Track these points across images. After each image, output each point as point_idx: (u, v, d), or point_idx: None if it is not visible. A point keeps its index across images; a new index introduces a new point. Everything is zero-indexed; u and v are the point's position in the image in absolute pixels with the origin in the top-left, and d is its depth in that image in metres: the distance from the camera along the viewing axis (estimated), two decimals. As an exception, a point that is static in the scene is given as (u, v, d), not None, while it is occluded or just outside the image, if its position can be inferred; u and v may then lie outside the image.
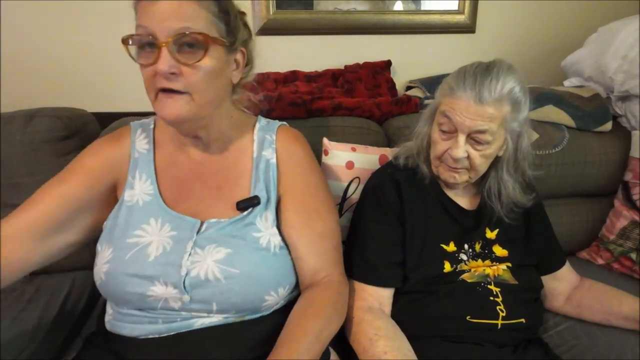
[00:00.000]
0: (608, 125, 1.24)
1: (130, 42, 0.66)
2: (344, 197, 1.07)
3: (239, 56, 0.75)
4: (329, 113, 1.20)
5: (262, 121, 0.86)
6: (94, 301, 1.07)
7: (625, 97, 1.26)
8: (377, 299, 0.84)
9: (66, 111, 1.09)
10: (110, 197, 0.78)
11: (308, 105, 1.17)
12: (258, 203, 0.76)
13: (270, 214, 0.77)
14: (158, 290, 0.69)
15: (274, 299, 0.74)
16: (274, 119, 1.17)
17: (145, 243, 0.72)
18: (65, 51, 1.31)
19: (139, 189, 0.77)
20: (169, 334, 0.71)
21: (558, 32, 1.57)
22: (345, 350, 0.83)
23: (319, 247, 0.79)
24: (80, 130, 1.09)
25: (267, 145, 0.81)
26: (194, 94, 0.67)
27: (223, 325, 0.72)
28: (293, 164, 0.81)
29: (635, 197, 1.18)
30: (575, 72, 1.38)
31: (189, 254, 0.71)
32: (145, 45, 0.65)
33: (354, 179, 1.07)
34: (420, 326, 0.83)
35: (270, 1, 1.35)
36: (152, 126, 0.82)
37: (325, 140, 1.10)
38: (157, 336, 0.71)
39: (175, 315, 0.72)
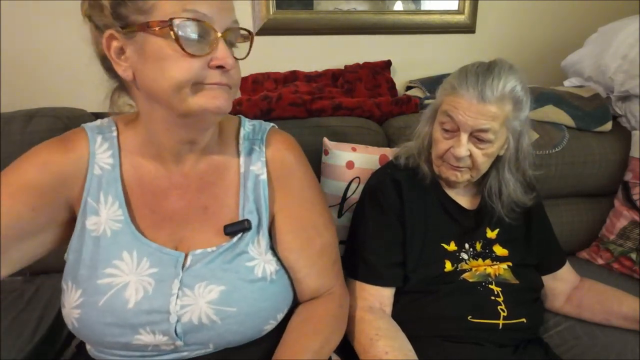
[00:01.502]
0: (608, 125, 1.24)
1: (178, 28, 0.53)
2: (344, 197, 1.07)
3: None
4: (329, 113, 1.20)
5: (247, 126, 0.73)
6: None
7: (625, 97, 1.26)
8: (377, 298, 0.84)
9: (66, 111, 1.09)
10: (65, 218, 0.65)
11: (308, 105, 1.17)
12: (249, 228, 0.67)
13: (264, 239, 0.69)
14: (145, 338, 0.62)
15: (272, 325, 0.69)
16: (274, 119, 1.16)
17: (121, 285, 0.61)
18: (66, 51, 1.31)
19: (106, 215, 0.64)
20: None
21: (558, 32, 1.57)
22: (345, 350, 0.83)
23: (318, 267, 0.73)
24: (80, 130, 1.09)
25: (256, 159, 0.70)
26: (233, 88, 0.60)
27: (220, 351, 0.67)
28: (286, 177, 0.72)
29: (635, 197, 1.18)
30: (575, 72, 1.38)
31: (177, 297, 0.61)
32: (193, 33, 0.55)
33: (354, 178, 1.07)
34: (420, 326, 0.83)
35: (270, 1, 1.35)
36: (114, 133, 0.67)
37: (325, 140, 1.10)
38: None
39: (168, 351, 0.65)
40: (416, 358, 0.75)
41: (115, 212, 0.64)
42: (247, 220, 0.67)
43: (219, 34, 0.56)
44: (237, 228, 0.66)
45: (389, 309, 0.85)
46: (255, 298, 0.65)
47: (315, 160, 1.10)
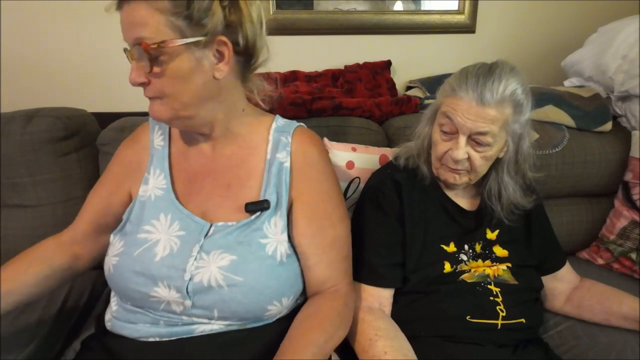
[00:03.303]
0: (608, 125, 1.24)
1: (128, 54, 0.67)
2: (344, 197, 1.07)
3: (221, 47, 0.67)
4: (329, 113, 1.20)
5: (280, 121, 0.81)
6: (94, 301, 1.07)
7: (625, 97, 1.26)
8: (377, 299, 0.84)
9: (66, 111, 1.09)
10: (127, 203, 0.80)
11: (308, 105, 1.17)
12: (267, 208, 0.73)
13: (281, 220, 0.74)
14: (161, 292, 0.69)
15: (277, 308, 0.72)
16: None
17: (154, 241, 0.72)
18: (65, 51, 1.31)
19: (153, 184, 0.77)
20: (170, 338, 0.71)
21: (558, 32, 1.57)
22: (345, 350, 0.83)
23: (328, 257, 0.76)
24: (79, 130, 1.09)
25: (282, 148, 0.77)
26: (164, 99, 0.67)
27: (225, 333, 0.71)
28: (307, 168, 0.77)
29: (635, 197, 1.18)
30: (575, 72, 1.37)
31: (195, 259, 0.69)
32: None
33: (354, 179, 1.07)
34: (420, 326, 0.83)
35: (270, 1, 1.35)
36: None
37: (325, 140, 1.10)
38: (157, 339, 0.71)
39: (177, 319, 0.71)
40: (415, 358, 0.75)
41: (160, 182, 0.77)
42: (267, 201, 0.74)
43: (130, 53, 0.64)
44: (257, 207, 0.73)
45: (388, 309, 0.85)
46: (262, 273, 0.70)
47: (315, 160, 1.10)
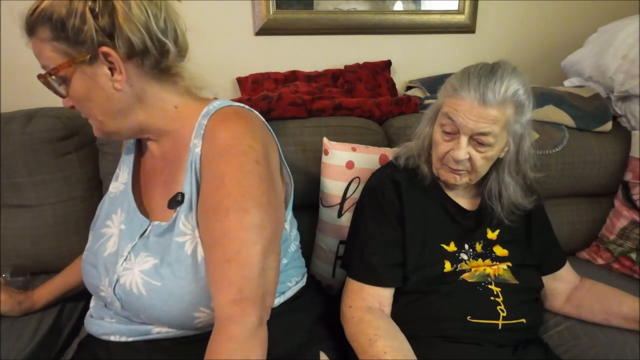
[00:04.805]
0: (608, 125, 1.24)
1: None
2: (344, 197, 1.07)
3: (109, 58, 0.62)
4: (329, 113, 1.19)
5: (213, 104, 0.71)
6: (94, 301, 1.07)
7: (625, 97, 1.26)
8: (377, 299, 0.84)
9: (65, 111, 1.08)
10: None
11: (308, 105, 1.17)
12: (181, 201, 0.67)
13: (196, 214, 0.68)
14: (103, 287, 0.71)
15: (206, 315, 0.66)
16: (274, 119, 1.16)
17: (109, 235, 0.74)
18: (65, 51, 1.31)
19: (120, 180, 0.79)
20: (129, 338, 0.72)
21: (558, 32, 1.57)
22: (343, 351, 0.83)
23: (211, 258, 0.62)
24: (79, 130, 1.09)
25: (199, 133, 0.68)
26: (90, 119, 0.69)
27: (182, 338, 0.70)
28: (211, 151, 0.66)
29: (635, 197, 1.18)
30: (575, 72, 1.37)
31: (125, 259, 0.69)
32: None
33: (354, 178, 1.07)
34: (420, 326, 0.83)
35: (270, 1, 1.35)
36: None
37: (325, 140, 1.10)
38: (118, 338, 0.72)
39: (125, 316, 0.72)
40: (415, 358, 0.75)
41: (125, 177, 0.78)
42: (181, 194, 0.68)
43: None
44: (173, 201, 0.69)
45: (388, 309, 0.85)
46: (181, 277, 0.64)
47: (315, 160, 1.10)
